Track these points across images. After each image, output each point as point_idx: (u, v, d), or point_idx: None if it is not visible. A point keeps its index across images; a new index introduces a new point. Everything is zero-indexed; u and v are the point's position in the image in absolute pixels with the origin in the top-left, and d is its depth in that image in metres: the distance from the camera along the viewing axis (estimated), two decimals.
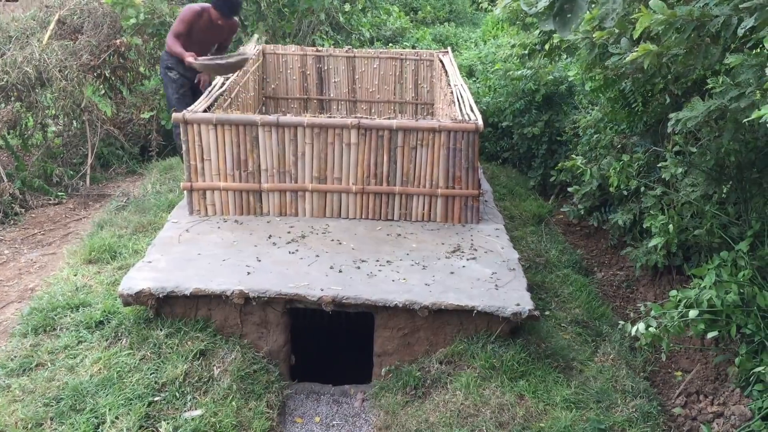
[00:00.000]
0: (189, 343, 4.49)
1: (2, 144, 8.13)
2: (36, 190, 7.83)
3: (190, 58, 6.56)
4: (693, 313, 3.99)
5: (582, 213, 7.09)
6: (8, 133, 8.13)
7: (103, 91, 9.12)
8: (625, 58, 4.21)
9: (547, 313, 5.38)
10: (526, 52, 7.03)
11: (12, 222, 7.14)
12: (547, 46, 6.44)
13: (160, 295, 4.55)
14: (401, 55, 8.94)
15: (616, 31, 4.29)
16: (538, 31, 6.93)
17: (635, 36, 3.63)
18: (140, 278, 4.65)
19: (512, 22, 7.36)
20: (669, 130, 4.87)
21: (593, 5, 4.06)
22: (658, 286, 6.06)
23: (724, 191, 4.97)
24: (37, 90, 8.02)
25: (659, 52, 3.71)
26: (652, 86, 5.68)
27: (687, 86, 5.47)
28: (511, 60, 8.69)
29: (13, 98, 7.95)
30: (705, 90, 5.10)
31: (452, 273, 4.95)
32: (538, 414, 4.15)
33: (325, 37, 11.09)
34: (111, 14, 8.85)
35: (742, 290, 4.11)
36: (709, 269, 4.24)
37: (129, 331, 4.57)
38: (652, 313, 4.22)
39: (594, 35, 4.55)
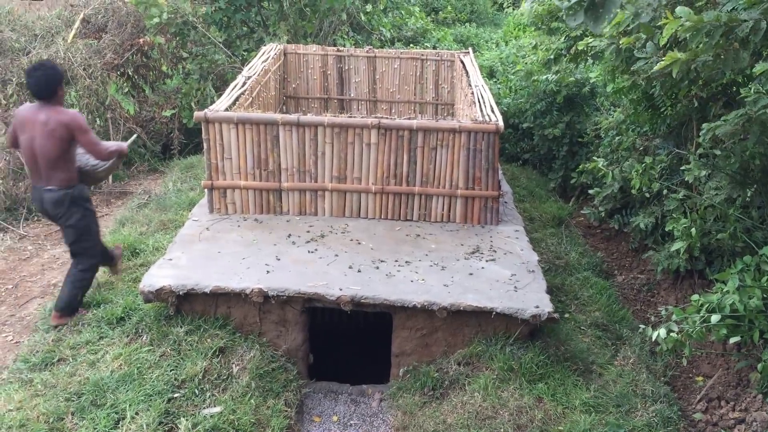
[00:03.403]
0: (208, 340, 4.52)
1: None
2: None
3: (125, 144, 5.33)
4: (715, 318, 3.94)
5: (603, 215, 7.03)
6: None
7: (126, 90, 9.21)
8: (652, 64, 4.17)
9: (566, 315, 5.34)
10: (552, 56, 7.01)
11: (36, 218, 7.23)
12: (572, 51, 6.40)
13: (181, 293, 4.58)
14: (422, 55, 8.93)
15: (643, 36, 4.26)
16: (563, 36, 6.90)
17: (662, 42, 3.59)
18: (161, 275, 4.69)
19: (537, 27, 7.32)
20: (700, 139, 4.82)
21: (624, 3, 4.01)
22: (679, 290, 6.00)
23: (749, 195, 4.91)
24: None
25: (687, 59, 3.66)
26: (678, 90, 5.62)
27: (714, 90, 5.41)
28: (535, 63, 8.64)
29: None
30: (731, 94, 5.05)
31: (471, 274, 4.93)
32: (556, 417, 4.13)
33: (346, 37, 11.10)
34: (134, 13, 8.95)
35: (765, 295, 4.05)
36: (732, 274, 4.18)
37: (149, 328, 4.62)
38: (674, 317, 4.17)
39: (621, 41, 4.51)
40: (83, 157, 5.01)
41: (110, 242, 5.95)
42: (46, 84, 4.70)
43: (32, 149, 4.73)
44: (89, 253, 5.00)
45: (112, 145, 5.04)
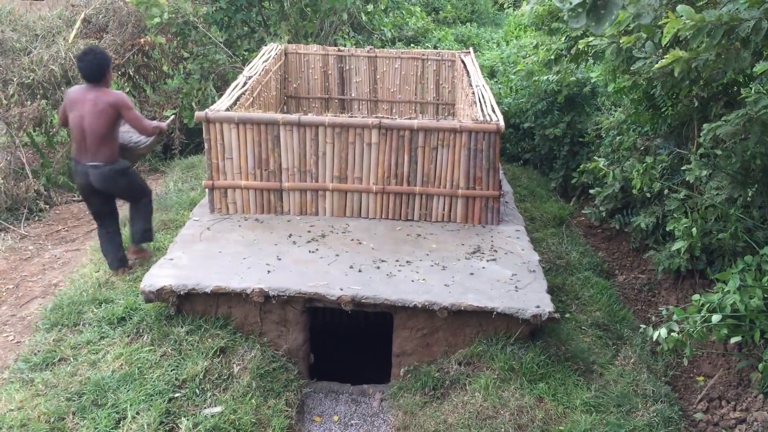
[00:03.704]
0: (209, 340, 4.52)
1: (28, 141, 8.24)
2: (60, 186, 7.94)
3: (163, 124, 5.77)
4: (716, 318, 3.94)
5: (603, 215, 7.03)
6: (34, 131, 8.25)
7: (127, 90, 9.22)
8: (652, 63, 4.17)
9: (567, 315, 5.34)
10: (552, 57, 7.00)
11: (37, 218, 7.25)
12: (573, 51, 6.40)
13: (181, 293, 4.59)
14: (423, 55, 8.93)
15: (644, 35, 4.25)
16: (564, 37, 6.89)
17: (663, 42, 3.58)
18: (162, 275, 4.69)
19: (537, 27, 7.32)
20: (701, 139, 4.82)
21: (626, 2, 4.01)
22: (680, 290, 6.00)
23: (749, 195, 4.90)
24: (62, 88, 8.12)
25: (689, 58, 3.66)
26: (679, 90, 5.62)
27: (715, 90, 5.41)
28: (536, 63, 8.64)
29: (38, 96, 8.07)
30: (733, 94, 5.05)
31: (472, 274, 4.93)
32: (557, 417, 4.13)
33: (346, 37, 11.10)
34: (135, 13, 8.95)
35: (766, 295, 4.05)
36: (732, 273, 4.18)
37: (150, 328, 4.62)
38: (675, 317, 4.17)
39: (621, 40, 4.51)
40: (125, 135, 5.51)
41: None
42: (97, 68, 5.17)
43: (82, 127, 5.17)
44: (143, 190, 5.59)
45: (153, 122, 5.49)
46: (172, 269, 4.79)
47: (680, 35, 3.51)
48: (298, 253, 5.12)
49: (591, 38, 5.73)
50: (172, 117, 6.72)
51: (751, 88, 4.13)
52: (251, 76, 6.83)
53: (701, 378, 4.92)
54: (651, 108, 6.33)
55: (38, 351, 4.53)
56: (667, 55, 3.69)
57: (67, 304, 4.97)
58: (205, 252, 5.08)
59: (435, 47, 12.69)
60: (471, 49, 8.98)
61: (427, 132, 5.62)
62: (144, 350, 4.42)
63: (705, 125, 4.42)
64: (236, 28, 10.23)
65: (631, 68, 5.06)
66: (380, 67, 8.91)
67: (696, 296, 4.24)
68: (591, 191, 7.11)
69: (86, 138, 5.18)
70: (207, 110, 5.66)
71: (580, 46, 5.94)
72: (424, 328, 4.66)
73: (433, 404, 4.35)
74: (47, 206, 7.51)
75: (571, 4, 3.08)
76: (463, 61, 8.13)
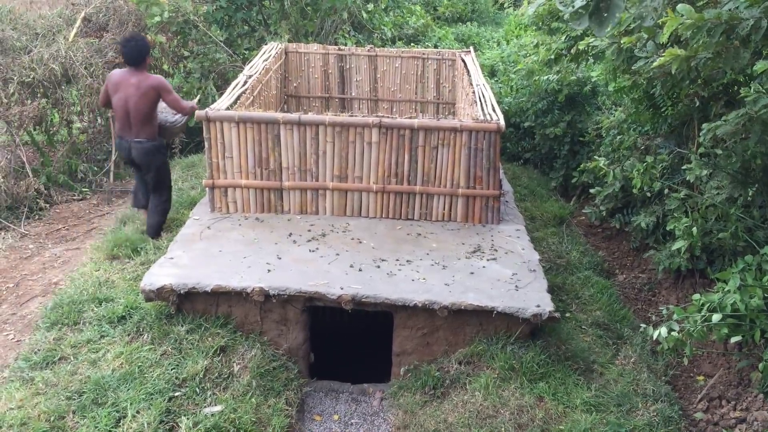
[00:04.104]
0: (209, 339, 4.52)
1: (28, 140, 8.24)
2: (61, 185, 7.94)
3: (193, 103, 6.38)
4: (716, 318, 3.94)
5: (604, 215, 7.03)
6: (34, 129, 8.25)
7: None
8: (652, 62, 4.17)
9: (567, 315, 5.34)
10: (553, 56, 7.00)
11: (37, 217, 7.25)
12: (573, 51, 6.40)
13: (182, 292, 4.59)
14: (423, 54, 8.93)
15: (644, 35, 4.25)
16: (564, 36, 6.89)
17: (663, 40, 3.58)
18: (162, 274, 4.69)
19: (538, 27, 7.32)
20: (701, 139, 4.82)
21: (629, 4, 4.01)
22: (680, 290, 6.00)
23: (750, 194, 4.90)
24: (62, 87, 8.13)
25: (687, 56, 3.66)
26: (680, 90, 5.62)
27: (715, 90, 5.40)
28: (536, 62, 8.64)
29: (39, 95, 8.07)
30: (733, 93, 5.05)
31: (472, 273, 4.93)
32: (557, 416, 4.13)
33: (347, 36, 11.10)
34: (136, 12, 8.95)
35: (766, 295, 4.05)
36: (733, 273, 4.18)
37: (150, 327, 4.62)
38: (675, 316, 4.17)
39: (622, 40, 4.51)
40: (161, 116, 6.15)
41: (110, 241, 5.97)
42: (138, 53, 5.77)
43: (125, 107, 5.82)
44: (166, 186, 6.24)
45: (189, 103, 6.15)
46: (173, 268, 4.79)
47: (680, 34, 3.51)
48: (298, 253, 5.12)
49: (592, 38, 5.73)
50: (199, 96, 7.20)
51: (750, 88, 4.12)
52: (251, 75, 6.83)
53: (701, 377, 4.92)
54: (651, 107, 6.33)
55: (38, 350, 4.53)
56: (664, 53, 3.69)
57: (68, 303, 4.97)
58: (205, 251, 5.08)
59: (435, 46, 12.68)
60: (471, 49, 8.98)
61: (427, 131, 5.61)
62: (144, 349, 4.42)
63: (704, 125, 4.42)
64: (236, 27, 10.22)
65: (632, 68, 5.05)
66: (381, 66, 8.91)
67: (696, 296, 4.25)
68: (591, 191, 7.10)
69: (130, 117, 5.83)
70: (207, 109, 5.66)
71: (581, 46, 5.94)
72: (424, 327, 4.66)
73: (433, 403, 4.35)
74: (47, 205, 7.51)
75: (573, 6, 3.07)
76: (463, 61, 8.13)
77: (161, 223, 6.23)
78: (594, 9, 2.93)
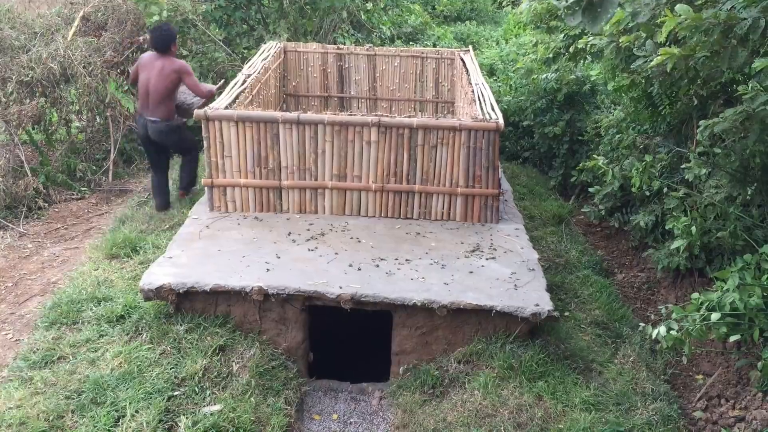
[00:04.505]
0: (208, 338, 4.52)
1: (27, 139, 8.23)
2: (59, 184, 7.93)
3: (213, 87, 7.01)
4: (715, 317, 3.94)
5: (603, 214, 7.03)
6: (33, 128, 8.24)
7: (126, 87, 9.16)
8: (650, 62, 4.17)
9: (566, 314, 5.35)
10: (551, 55, 6.99)
11: (36, 216, 7.24)
12: (571, 49, 6.39)
13: (181, 291, 4.58)
14: (422, 53, 8.93)
15: (642, 34, 4.25)
16: (562, 35, 6.89)
17: (661, 39, 3.58)
18: (161, 273, 4.69)
19: (536, 26, 7.32)
20: (699, 136, 4.82)
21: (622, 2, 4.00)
22: (679, 289, 6.00)
23: (749, 193, 4.90)
24: (61, 86, 8.12)
25: (684, 55, 3.66)
26: (678, 89, 5.62)
27: (713, 89, 5.40)
28: (535, 61, 8.65)
29: (37, 94, 8.05)
30: (731, 92, 5.05)
31: (471, 272, 4.93)
32: (556, 415, 4.13)
33: (346, 35, 11.09)
34: (134, 11, 8.93)
35: (765, 293, 4.05)
36: (732, 272, 4.18)
37: (149, 326, 4.62)
38: (674, 315, 4.17)
39: (620, 39, 4.51)
40: (181, 96, 6.77)
41: (109, 240, 5.96)
42: (163, 41, 6.46)
43: (147, 87, 6.49)
44: (192, 146, 6.85)
45: (208, 86, 6.77)
46: (172, 267, 4.79)
47: (678, 34, 3.51)
48: (297, 252, 5.12)
49: (590, 37, 5.73)
50: (222, 82, 7.37)
51: (748, 85, 4.12)
52: (250, 74, 6.83)
53: (700, 376, 4.92)
54: (650, 107, 6.33)
55: (37, 349, 4.53)
56: (661, 51, 3.69)
57: (66, 303, 4.97)
58: (204, 250, 5.08)
59: (434, 45, 12.67)
60: (470, 48, 8.98)
61: (426, 130, 5.61)
62: (143, 348, 4.42)
63: (702, 121, 4.41)
64: (235, 26, 10.22)
65: (631, 67, 5.06)
66: (379, 65, 8.91)
67: (695, 294, 4.25)
68: (590, 190, 7.10)
69: (149, 96, 6.47)
70: (206, 108, 5.65)
71: (580, 45, 5.94)
72: (423, 326, 4.66)
73: (432, 402, 4.35)
74: (46, 204, 7.50)
75: (567, 1, 3.07)
76: (462, 60, 8.13)
77: (192, 177, 6.98)
78: (587, 4, 2.93)
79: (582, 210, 7.53)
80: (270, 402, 4.23)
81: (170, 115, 6.57)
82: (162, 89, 6.43)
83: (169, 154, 7.07)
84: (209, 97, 6.61)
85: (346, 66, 8.91)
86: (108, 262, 5.71)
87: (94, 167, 8.41)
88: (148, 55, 6.61)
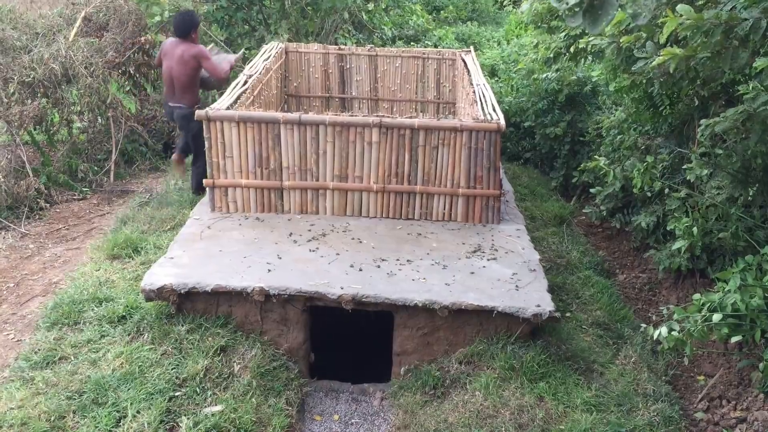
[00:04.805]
0: (210, 339, 4.52)
1: (28, 139, 8.24)
2: (61, 185, 7.93)
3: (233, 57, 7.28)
4: (717, 317, 3.93)
5: (604, 214, 7.02)
6: (34, 129, 8.24)
7: (127, 88, 9.20)
8: (651, 62, 4.16)
9: (567, 314, 5.34)
10: (551, 55, 6.98)
11: (37, 217, 7.24)
12: (572, 49, 6.39)
13: (182, 291, 4.59)
14: (423, 54, 8.93)
15: (643, 35, 4.24)
16: (563, 34, 6.89)
17: (662, 40, 3.58)
18: (162, 274, 4.69)
19: (537, 26, 7.31)
20: (700, 136, 4.82)
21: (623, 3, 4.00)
22: (681, 290, 5.99)
23: (750, 194, 4.90)
24: (62, 86, 8.12)
25: (686, 56, 3.66)
26: (679, 89, 5.62)
27: (715, 89, 5.40)
28: (536, 61, 8.64)
29: (39, 94, 8.06)
30: (733, 93, 5.05)
31: (472, 273, 4.93)
32: (558, 416, 4.13)
33: (347, 35, 11.09)
34: (136, 12, 8.94)
35: (767, 294, 4.04)
36: (733, 273, 4.17)
37: (151, 326, 4.62)
38: (675, 316, 4.17)
39: (621, 40, 4.50)
40: (204, 72, 6.88)
41: (111, 241, 5.97)
42: (183, 27, 6.66)
43: (170, 73, 6.73)
44: (203, 151, 6.35)
45: (225, 66, 6.89)
46: (173, 268, 4.79)
47: (679, 34, 3.51)
48: (298, 252, 5.12)
49: (591, 37, 5.73)
50: (242, 52, 7.78)
51: (749, 85, 4.12)
52: (252, 75, 6.83)
53: (702, 377, 4.91)
54: (652, 107, 6.32)
55: (39, 349, 4.53)
56: (663, 52, 3.69)
57: (68, 303, 4.97)
58: (205, 251, 5.08)
59: (436, 46, 12.67)
60: (472, 48, 8.98)
61: (427, 131, 5.61)
62: (144, 349, 4.42)
63: (703, 120, 4.40)
64: (237, 26, 10.22)
65: (632, 68, 5.05)
66: (381, 65, 8.91)
67: (697, 295, 4.24)
68: (592, 190, 7.10)
69: (174, 84, 6.70)
70: (208, 109, 5.66)
71: (581, 45, 5.93)
72: (424, 327, 4.66)
73: (433, 403, 4.35)
74: (48, 205, 7.50)
75: (567, 3, 3.07)
76: (463, 60, 8.13)
77: (201, 180, 6.66)
78: (588, 6, 2.93)
79: (583, 211, 7.52)
80: (271, 403, 4.23)
81: (194, 102, 6.73)
82: (184, 76, 6.63)
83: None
84: (227, 77, 6.87)
85: (348, 67, 8.91)
86: (109, 262, 5.71)
87: (96, 168, 8.41)
88: (170, 41, 6.79)
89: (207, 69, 6.71)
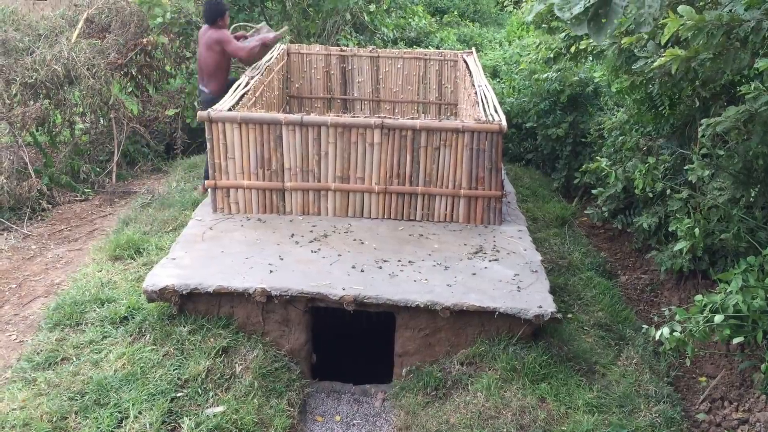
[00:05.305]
0: (211, 339, 4.52)
1: (31, 141, 8.25)
2: (63, 186, 7.94)
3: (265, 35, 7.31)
4: (718, 318, 3.93)
5: (606, 215, 7.02)
6: (37, 130, 8.26)
7: (129, 89, 9.22)
8: (652, 63, 4.16)
9: (569, 315, 5.34)
10: (552, 55, 6.98)
11: (39, 218, 7.25)
12: (572, 49, 6.39)
13: (184, 292, 4.59)
14: (425, 55, 8.93)
15: (644, 36, 4.24)
16: (563, 34, 6.89)
17: (663, 41, 3.58)
18: (164, 275, 4.69)
19: (538, 26, 7.32)
20: (701, 135, 4.81)
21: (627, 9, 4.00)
22: (682, 291, 5.99)
23: (752, 195, 4.89)
24: (65, 88, 8.13)
25: (687, 57, 3.66)
26: (680, 90, 5.62)
27: (716, 90, 5.40)
28: (537, 62, 8.64)
29: (41, 96, 8.07)
30: (734, 93, 5.04)
31: (474, 274, 4.93)
32: (559, 417, 4.13)
33: (349, 37, 11.10)
34: (138, 13, 8.95)
35: None
36: (735, 274, 4.17)
37: (153, 327, 4.62)
38: (677, 317, 4.17)
39: (622, 41, 4.50)
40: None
41: (113, 242, 5.97)
42: (210, 14, 6.81)
43: (199, 59, 7.02)
44: None
45: (252, 45, 6.98)
46: (175, 269, 4.80)
47: (681, 35, 3.51)
48: (300, 253, 5.13)
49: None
50: (285, 29, 7.79)
51: (750, 85, 4.11)
52: (254, 76, 6.84)
53: (704, 378, 4.91)
54: (653, 108, 6.32)
55: (41, 350, 4.54)
56: (665, 52, 3.69)
57: (70, 304, 4.98)
58: (207, 252, 5.09)
59: (437, 47, 12.67)
60: (473, 49, 8.98)
61: (429, 132, 5.62)
62: (146, 350, 4.43)
63: (704, 120, 4.39)
64: (239, 28, 10.23)
65: (633, 68, 5.05)
66: (383, 67, 8.91)
67: (698, 296, 4.23)
68: (593, 191, 7.09)
69: (202, 68, 6.90)
70: (209, 110, 5.67)
71: (581, 46, 5.93)
72: (426, 328, 4.66)
73: (435, 404, 4.35)
74: (50, 206, 7.51)
75: (572, 13, 3.07)
76: (465, 61, 8.13)
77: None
78: (593, 15, 2.92)
79: (585, 212, 7.51)
80: (273, 403, 4.24)
81: (220, 90, 6.71)
82: (210, 61, 6.78)
83: None
84: (253, 55, 6.97)
85: (349, 68, 8.92)
86: (111, 263, 5.71)
87: (98, 169, 8.43)
88: (203, 29, 6.99)
89: (231, 52, 6.79)
